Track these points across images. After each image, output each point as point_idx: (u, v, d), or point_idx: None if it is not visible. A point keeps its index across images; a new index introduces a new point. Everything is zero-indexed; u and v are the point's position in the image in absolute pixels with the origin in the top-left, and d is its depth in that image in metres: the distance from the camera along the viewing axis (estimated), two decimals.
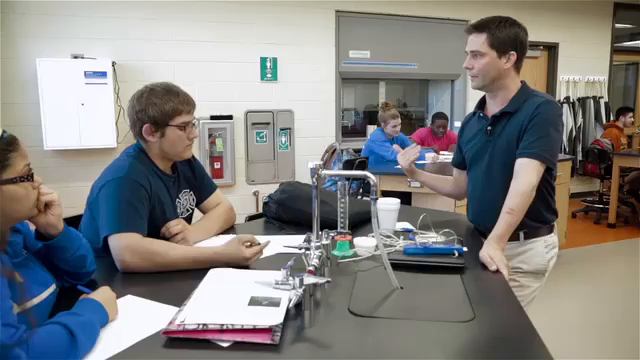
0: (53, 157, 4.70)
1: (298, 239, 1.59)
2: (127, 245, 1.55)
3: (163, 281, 1.49)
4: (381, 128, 4.89)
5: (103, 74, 4.61)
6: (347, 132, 6.49)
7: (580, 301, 3.91)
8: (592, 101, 7.57)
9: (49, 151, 4.59)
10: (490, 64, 1.87)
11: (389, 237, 1.78)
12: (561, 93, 7.41)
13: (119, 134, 4.72)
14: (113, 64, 4.77)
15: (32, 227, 1.31)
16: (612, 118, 7.34)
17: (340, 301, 1.32)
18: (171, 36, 5.11)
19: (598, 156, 6.37)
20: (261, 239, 1.68)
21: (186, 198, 1.95)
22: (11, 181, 1.12)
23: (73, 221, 1.72)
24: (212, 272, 1.48)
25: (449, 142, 5.34)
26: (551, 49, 7.35)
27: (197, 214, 2.05)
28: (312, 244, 1.43)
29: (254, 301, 1.24)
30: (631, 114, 6.75)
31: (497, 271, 1.56)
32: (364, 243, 1.70)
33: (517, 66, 1.92)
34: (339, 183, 1.85)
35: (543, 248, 1.98)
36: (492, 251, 1.64)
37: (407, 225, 2.00)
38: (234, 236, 1.66)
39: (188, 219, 1.96)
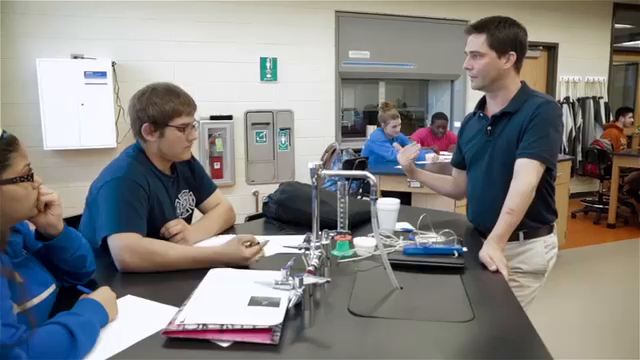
0: (53, 157, 4.70)
1: (298, 239, 1.59)
2: (126, 245, 1.55)
3: (163, 281, 1.49)
4: (381, 128, 4.89)
5: (103, 74, 4.61)
6: (347, 132, 6.50)
7: (580, 301, 3.91)
8: (592, 101, 7.58)
9: (49, 151, 4.59)
10: (490, 64, 1.87)
11: (389, 237, 1.78)
12: (561, 93, 7.41)
13: (119, 134, 4.72)
14: (113, 64, 4.77)
15: (32, 227, 1.31)
16: (612, 118, 7.34)
17: (340, 301, 1.32)
18: (171, 36, 5.11)
19: (598, 156, 6.37)
20: (260, 239, 1.68)
21: (185, 198, 1.95)
22: (11, 181, 1.12)
23: (73, 221, 1.72)
24: (212, 272, 1.48)
25: (449, 142, 5.34)
26: (551, 49, 7.35)
27: (197, 215, 2.05)
28: (312, 244, 1.43)
29: (254, 301, 1.24)
30: (631, 114, 6.75)
31: (497, 271, 1.56)
32: (364, 243, 1.70)
33: (517, 66, 1.92)
34: (339, 183, 1.86)
35: (543, 248, 1.98)
36: (492, 251, 1.64)
37: (407, 225, 2.00)
38: (234, 236, 1.66)
39: (188, 219, 1.96)
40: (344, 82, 6.16)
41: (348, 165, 4.81)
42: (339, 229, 1.81)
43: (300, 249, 1.47)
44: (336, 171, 4.38)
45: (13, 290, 1.05)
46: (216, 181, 2.36)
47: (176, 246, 1.67)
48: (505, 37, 1.86)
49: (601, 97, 7.66)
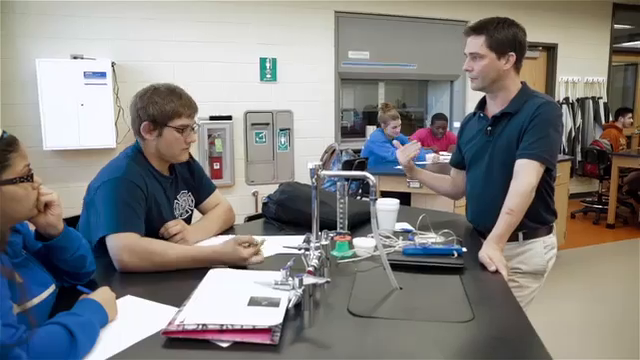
0: (52, 157, 4.70)
1: (297, 239, 1.59)
2: (125, 245, 1.55)
3: (163, 281, 1.49)
4: (381, 129, 4.89)
5: (102, 74, 4.61)
6: (346, 132, 6.50)
7: (579, 301, 3.91)
8: (591, 102, 7.58)
9: (48, 151, 4.59)
10: (489, 66, 1.87)
11: (388, 237, 1.78)
12: (560, 94, 7.41)
13: (118, 134, 4.72)
14: (112, 64, 4.77)
15: (32, 227, 1.31)
16: (611, 119, 7.35)
17: (339, 301, 1.32)
18: (171, 36, 5.11)
19: (597, 157, 6.37)
20: (258, 239, 1.68)
21: (184, 199, 1.95)
22: (11, 181, 1.12)
23: (72, 221, 1.72)
24: (211, 272, 1.48)
25: (448, 143, 5.35)
26: (550, 50, 7.36)
27: (197, 215, 2.05)
28: (311, 244, 1.43)
29: (254, 301, 1.24)
30: (630, 115, 6.75)
31: (496, 271, 1.56)
32: (363, 243, 1.71)
33: (517, 67, 1.92)
34: (338, 184, 1.86)
35: (542, 249, 1.98)
36: (491, 251, 1.64)
37: (406, 225, 2.00)
38: (232, 236, 1.67)
39: (187, 220, 1.96)
40: (344, 82, 6.16)
41: (347, 166, 4.81)
42: (339, 229, 1.81)
43: (300, 249, 1.47)
44: (336, 171, 4.38)
45: (13, 290, 1.05)
46: (215, 181, 2.37)
47: (175, 246, 1.67)
48: (504, 38, 1.86)
49: (600, 97, 7.66)
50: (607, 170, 6.21)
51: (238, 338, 1.08)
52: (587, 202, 6.83)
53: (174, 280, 1.50)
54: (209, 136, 5.35)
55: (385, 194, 3.43)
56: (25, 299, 1.10)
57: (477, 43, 1.88)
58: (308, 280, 1.23)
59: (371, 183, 1.38)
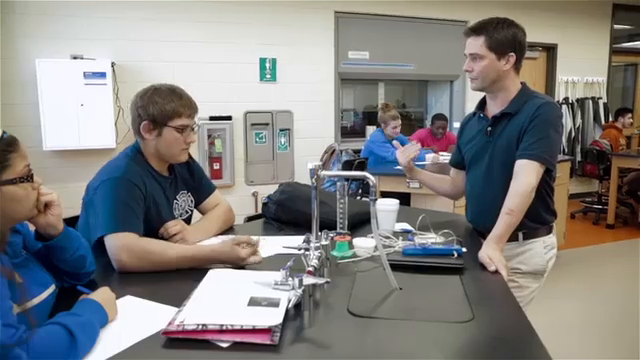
0: (52, 158, 4.69)
1: (297, 240, 1.59)
2: (124, 245, 1.55)
3: (162, 281, 1.49)
4: (381, 129, 4.89)
5: (102, 75, 4.60)
6: (346, 133, 6.50)
7: (579, 302, 3.92)
8: (591, 102, 7.58)
9: (48, 152, 4.59)
10: (489, 66, 1.87)
11: (388, 238, 1.78)
12: (560, 94, 7.42)
13: (118, 135, 4.72)
14: (112, 65, 4.77)
15: (32, 227, 1.31)
16: (611, 119, 7.35)
17: (339, 301, 1.32)
18: (170, 37, 5.11)
19: (597, 157, 6.37)
20: (254, 238, 1.68)
21: (184, 199, 1.95)
22: (11, 182, 1.12)
23: (72, 221, 1.72)
24: (211, 272, 1.48)
25: (448, 143, 5.35)
26: (550, 50, 7.36)
27: (197, 216, 2.05)
28: (311, 245, 1.43)
29: (253, 301, 1.24)
30: (630, 115, 6.76)
31: (496, 272, 1.56)
32: (363, 244, 1.71)
33: (516, 67, 1.93)
34: (338, 184, 1.86)
35: (542, 249, 1.98)
36: (491, 252, 1.64)
37: (406, 226, 2.00)
38: (230, 236, 1.67)
39: (187, 220, 1.96)
40: (343, 83, 6.16)
41: (347, 166, 4.81)
42: (338, 230, 1.81)
43: (299, 250, 1.47)
44: (335, 172, 4.38)
45: (13, 290, 1.05)
46: (215, 182, 2.37)
47: (173, 245, 1.67)
48: (504, 38, 1.86)
49: (600, 98, 7.67)
50: (607, 170, 6.21)
51: (238, 338, 1.08)
52: (587, 202, 6.83)
53: (174, 280, 1.50)
54: (209, 136, 5.35)
55: (385, 194, 3.43)
56: (25, 299, 1.10)
57: (477, 44, 1.88)
58: (308, 280, 1.23)
59: (371, 183, 1.38)
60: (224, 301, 1.26)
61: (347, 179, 3.71)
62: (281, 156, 5.75)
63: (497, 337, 1.18)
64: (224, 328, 1.09)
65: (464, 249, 1.65)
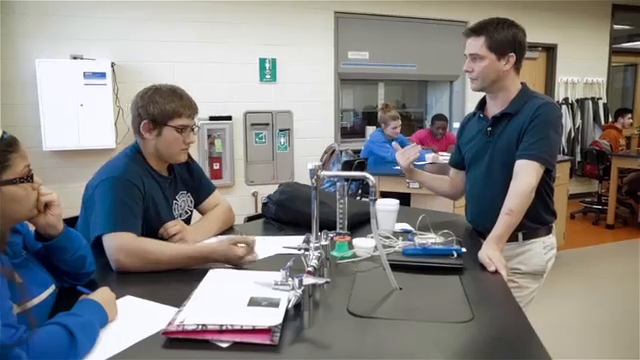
0: (52, 158, 4.69)
1: (297, 240, 1.60)
2: (121, 245, 1.55)
3: (162, 282, 1.49)
4: (381, 129, 4.89)
5: (102, 75, 4.60)
6: (346, 133, 6.50)
7: (578, 302, 3.92)
8: (590, 102, 7.59)
9: (48, 152, 4.59)
10: (489, 67, 1.88)
11: (388, 238, 1.78)
12: (560, 94, 7.42)
13: (118, 135, 4.72)
14: (112, 65, 4.77)
15: (32, 228, 1.31)
16: (611, 119, 7.35)
17: (339, 302, 1.32)
18: (170, 37, 5.11)
19: (597, 157, 6.37)
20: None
21: (184, 200, 1.96)
22: (11, 182, 1.12)
23: (72, 222, 1.73)
24: (211, 273, 1.48)
25: (448, 143, 5.35)
26: (550, 50, 7.36)
27: (196, 216, 2.05)
28: (311, 245, 1.43)
29: (253, 302, 1.24)
30: (629, 115, 6.76)
31: (496, 272, 1.56)
32: (363, 244, 1.71)
33: (516, 67, 1.93)
34: (338, 184, 1.86)
35: (542, 249, 1.98)
36: (491, 252, 1.64)
37: (406, 226, 2.00)
38: (227, 236, 1.67)
39: (187, 221, 1.96)
40: (343, 83, 6.16)
41: (347, 166, 4.81)
42: (338, 230, 1.82)
43: (299, 250, 1.47)
44: (335, 172, 4.38)
45: (13, 290, 1.05)
46: (215, 182, 2.37)
47: (170, 245, 1.67)
48: (504, 38, 1.86)
49: (600, 98, 7.67)
50: (606, 171, 6.21)
51: (238, 338, 1.08)
52: (586, 203, 6.83)
53: (174, 280, 1.50)
54: (209, 136, 5.35)
55: (385, 194, 3.43)
56: (25, 299, 1.11)
57: (477, 44, 1.88)
58: (308, 280, 1.24)
59: (371, 183, 1.38)
60: (224, 301, 1.26)
61: (347, 179, 3.71)
62: (281, 156, 5.76)
63: (497, 337, 1.19)
64: (224, 328, 1.09)
65: (464, 249, 1.65)
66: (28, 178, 1.17)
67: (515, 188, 1.80)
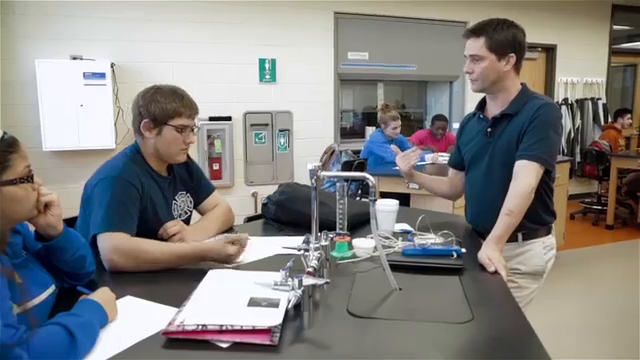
0: (52, 158, 4.69)
1: (297, 240, 1.60)
2: (115, 245, 1.56)
3: (162, 282, 1.50)
4: (381, 129, 4.89)
5: (102, 75, 4.60)
6: (346, 133, 6.50)
7: (578, 302, 3.92)
8: (590, 102, 7.59)
9: (48, 152, 4.58)
10: (490, 67, 1.88)
11: (388, 238, 1.78)
12: (559, 94, 7.42)
13: (118, 135, 4.72)
14: (112, 65, 4.77)
15: (32, 228, 1.31)
16: (610, 120, 7.36)
17: (339, 302, 1.33)
18: (170, 37, 5.11)
19: (596, 157, 6.37)
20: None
21: (183, 200, 1.96)
22: (11, 182, 1.12)
23: (72, 222, 1.73)
24: (211, 273, 1.48)
25: (448, 144, 5.35)
26: (549, 51, 7.36)
27: (196, 217, 2.05)
28: (311, 245, 1.43)
29: (253, 302, 1.24)
30: (629, 116, 6.76)
31: (495, 272, 1.56)
32: (363, 244, 1.71)
33: (517, 67, 1.93)
34: (338, 184, 1.86)
35: (541, 249, 1.99)
36: (490, 252, 1.64)
37: (406, 226, 2.01)
38: (223, 235, 1.67)
39: (186, 221, 1.96)
40: (343, 83, 6.16)
41: (347, 166, 4.81)
42: (338, 230, 1.82)
43: (299, 250, 1.47)
44: (335, 172, 4.38)
45: (13, 291, 1.05)
46: (215, 182, 2.37)
47: (163, 244, 1.67)
48: (504, 39, 1.86)
49: (599, 98, 7.67)
50: (606, 171, 6.21)
51: (238, 338, 1.09)
52: (586, 203, 6.83)
53: (174, 281, 1.50)
54: (208, 137, 5.35)
55: (384, 195, 3.43)
56: (25, 299, 1.11)
57: (477, 45, 1.88)
58: (307, 281, 1.24)
59: (370, 184, 1.39)
60: (224, 301, 1.26)
61: (347, 180, 3.71)
62: (281, 157, 5.76)
63: (496, 337, 1.19)
64: (224, 328, 1.09)
65: (463, 250, 1.65)
66: (28, 178, 1.17)
67: (515, 189, 1.80)
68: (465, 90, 6.58)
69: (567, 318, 3.59)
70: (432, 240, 1.75)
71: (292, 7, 5.60)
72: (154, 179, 1.82)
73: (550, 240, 2.02)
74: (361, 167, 4.75)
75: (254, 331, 1.09)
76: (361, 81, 6.62)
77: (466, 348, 1.16)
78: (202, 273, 1.47)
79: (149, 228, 1.73)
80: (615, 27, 7.71)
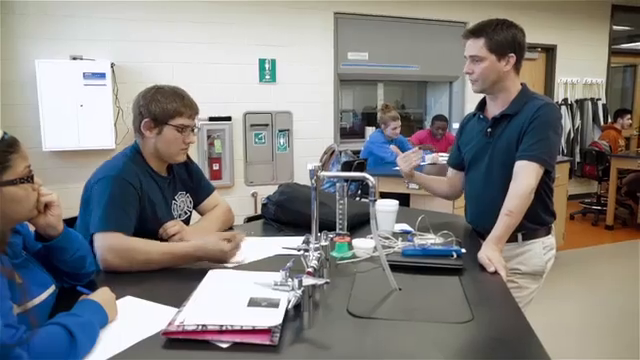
0: (52, 158, 4.69)
1: (297, 240, 1.60)
2: (109, 244, 1.56)
3: (162, 282, 1.50)
4: (381, 130, 4.89)
5: (102, 75, 4.60)
6: (345, 133, 6.50)
7: (578, 302, 3.92)
8: (590, 103, 7.59)
9: (47, 152, 4.59)
10: (490, 68, 1.88)
11: (388, 238, 1.79)
12: (559, 95, 7.42)
13: (117, 135, 4.72)
14: (112, 65, 4.77)
15: (32, 228, 1.31)
16: (610, 120, 7.36)
17: (339, 302, 1.33)
18: (170, 37, 5.11)
19: (596, 158, 6.38)
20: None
21: (182, 200, 1.96)
22: (11, 183, 1.13)
23: (71, 222, 1.73)
24: (211, 273, 1.48)
25: (448, 144, 5.35)
26: (549, 51, 7.37)
27: (195, 218, 2.05)
28: (311, 245, 1.43)
29: (253, 302, 1.24)
30: (629, 116, 6.76)
31: (495, 272, 1.56)
32: (363, 244, 1.71)
33: (517, 67, 1.93)
34: (338, 185, 1.86)
35: (541, 249, 1.99)
36: (490, 252, 1.64)
37: (405, 226, 2.01)
38: (218, 233, 1.68)
39: (186, 222, 1.97)
40: (343, 83, 6.17)
41: (347, 166, 4.81)
42: (338, 230, 1.82)
43: (299, 250, 1.47)
44: (335, 172, 4.38)
45: (13, 291, 1.05)
46: (215, 182, 2.37)
47: (157, 243, 1.66)
48: (503, 39, 1.86)
49: (599, 99, 7.68)
50: (606, 171, 6.21)
51: (238, 339, 1.09)
52: (586, 203, 6.83)
53: (174, 281, 1.51)
54: (208, 137, 5.35)
55: (384, 195, 3.43)
56: (25, 300, 1.11)
57: (477, 46, 1.88)
58: (307, 281, 1.24)
59: (370, 184, 1.39)
60: (224, 302, 1.26)
61: (346, 180, 3.72)
62: (280, 157, 5.76)
63: (496, 338, 1.19)
64: (224, 329, 1.09)
65: (463, 250, 1.66)
66: (28, 179, 1.17)
67: (515, 189, 1.80)
68: (465, 90, 6.59)
69: (567, 318, 3.59)
70: (432, 240, 1.75)
71: (292, 7, 5.60)
72: (154, 179, 1.82)
73: (550, 240, 2.02)
74: (361, 167, 4.75)
75: (254, 331, 1.09)
76: (361, 81, 6.62)
77: (466, 348, 1.17)
78: (202, 273, 1.47)
79: (148, 228, 1.73)
80: (615, 27, 7.71)
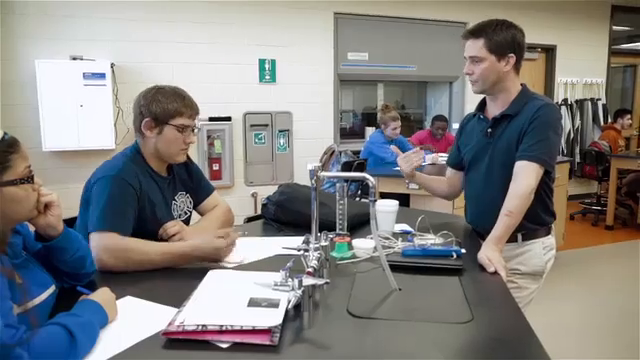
0: (51, 158, 4.69)
1: (297, 241, 1.60)
2: (105, 244, 1.56)
3: (162, 282, 1.50)
4: (381, 130, 4.89)
5: (102, 75, 4.60)
6: (345, 134, 6.50)
7: (578, 303, 3.92)
8: (590, 103, 7.59)
9: (47, 152, 4.59)
10: (490, 68, 1.88)
11: (388, 239, 1.79)
12: (559, 95, 7.42)
13: (117, 135, 4.72)
14: (112, 65, 4.77)
15: (32, 228, 1.31)
16: (610, 120, 7.36)
17: (339, 302, 1.33)
18: (170, 38, 5.11)
19: (596, 158, 6.38)
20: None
21: (182, 200, 1.96)
22: (11, 183, 1.12)
23: (71, 222, 1.73)
24: (211, 273, 1.48)
25: (448, 144, 5.34)
26: (549, 51, 7.37)
27: (195, 218, 2.05)
28: (311, 245, 1.43)
29: (253, 302, 1.24)
30: (629, 116, 6.76)
31: (495, 273, 1.56)
32: (363, 245, 1.71)
33: (516, 68, 1.93)
34: (338, 185, 1.86)
35: (541, 250, 1.99)
36: (490, 253, 1.64)
37: (405, 227, 2.01)
38: (210, 232, 1.68)
39: (186, 222, 1.97)
40: (343, 84, 6.17)
41: (347, 167, 4.81)
42: (338, 231, 1.82)
43: (299, 250, 1.47)
44: (335, 173, 4.38)
45: (13, 291, 1.05)
46: (215, 182, 2.37)
47: (154, 244, 1.66)
48: (503, 40, 1.87)
49: (599, 99, 7.68)
50: (606, 171, 6.21)
51: (238, 339, 1.09)
52: (586, 203, 6.83)
53: (174, 281, 1.51)
54: (208, 137, 5.35)
55: (384, 195, 3.43)
56: (25, 300, 1.11)
57: (476, 46, 1.88)
58: (307, 281, 1.24)
59: (370, 184, 1.39)
60: (224, 302, 1.26)
61: (346, 180, 3.72)
62: (280, 157, 5.76)
63: (496, 338, 1.19)
64: (224, 329, 1.09)
65: (463, 250, 1.66)
66: (29, 179, 1.17)
67: (514, 189, 1.80)
68: (465, 91, 6.59)
69: (567, 318, 3.59)
70: (432, 240, 1.75)
71: (292, 7, 5.60)
72: (154, 179, 1.82)
73: (550, 240, 2.02)
74: (361, 167, 4.76)
75: (254, 331, 1.09)
76: (361, 81, 6.62)
77: (466, 348, 1.17)
78: (202, 273, 1.47)
79: (148, 228, 1.74)
80: (615, 28, 7.71)
